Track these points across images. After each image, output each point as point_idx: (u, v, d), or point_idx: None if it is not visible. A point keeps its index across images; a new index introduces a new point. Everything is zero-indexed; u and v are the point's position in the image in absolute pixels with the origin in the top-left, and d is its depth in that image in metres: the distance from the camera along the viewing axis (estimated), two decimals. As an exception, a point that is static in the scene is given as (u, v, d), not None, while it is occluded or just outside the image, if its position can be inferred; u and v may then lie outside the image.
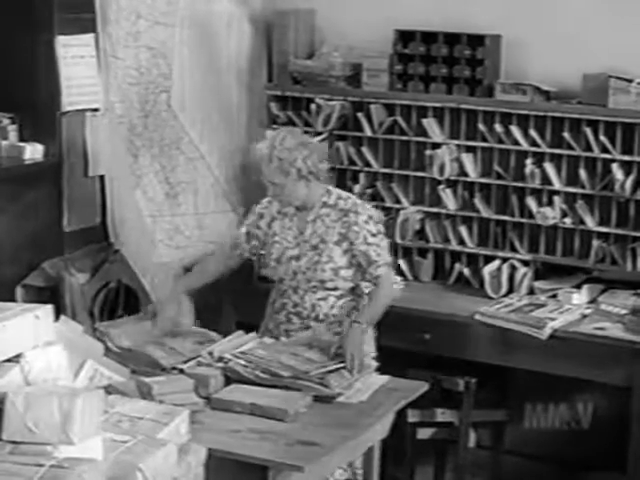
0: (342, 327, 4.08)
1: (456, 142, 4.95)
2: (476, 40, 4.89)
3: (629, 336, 4.34)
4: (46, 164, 4.60)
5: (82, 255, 4.69)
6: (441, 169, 4.93)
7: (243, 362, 3.72)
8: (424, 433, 4.72)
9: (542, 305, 4.64)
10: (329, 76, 5.16)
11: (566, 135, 4.71)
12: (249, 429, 3.39)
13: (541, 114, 4.75)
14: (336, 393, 3.64)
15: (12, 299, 4.29)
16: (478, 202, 4.94)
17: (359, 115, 5.09)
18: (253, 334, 4.06)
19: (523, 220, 4.86)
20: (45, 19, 4.52)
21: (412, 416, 4.62)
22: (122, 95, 4.84)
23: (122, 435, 2.83)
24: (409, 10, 5.08)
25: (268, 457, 3.24)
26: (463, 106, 4.90)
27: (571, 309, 4.60)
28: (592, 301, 4.68)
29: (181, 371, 3.73)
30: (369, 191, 5.10)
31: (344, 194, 4.19)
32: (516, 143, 4.81)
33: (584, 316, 4.55)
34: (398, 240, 5.02)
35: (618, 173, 4.63)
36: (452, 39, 4.92)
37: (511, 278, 4.83)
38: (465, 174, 4.94)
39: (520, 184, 4.84)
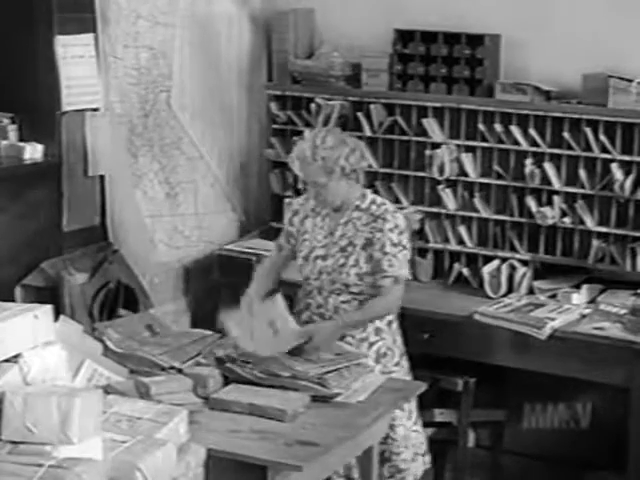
0: (365, 331, 4.06)
1: (456, 142, 4.95)
2: (476, 40, 4.89)
3: (628, 336, 4.34)
4: (46, 164, 4.60)
5: (81, 255, 4.69)
6: (441, 169, 4.93)
7: (241, 362, 3.72)
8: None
9: (541, 305, 4.64)
10: (329, 76, 5.17)
11: (566, 135, 4.71)
12: (248, 429, 3.39)
13: (541, 114, 4.75)
14: (335, 393, 3.64)
15: (11, 299, 4.29)
16: (478, 202, 4.94)
17: (359, 115, 5.09)
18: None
19: (523, 220, 4.86)
20: (45, 19, 4.52)
21: (411, 416, 4.63)
22: (122, 95, 4.85)
23: (121, 435, 2.83)
24: (409, 10, 5.09)
25: (267, 457, 3.24)
26: (463, 106, 4.90)
27: (570, 309, 4.60)
28: (591, 301, 4.68)
29: (180, 371, 3.73)
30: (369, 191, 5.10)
31: (379, 199, 4.14)
32: (516, 143, 4.82)
33: (583, 316, 4.55)
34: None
35: (618, 173, 4.63)
36: (452, 39, 4.93)
37: (510, 278, 4.83)
38: (465, 174, 4.94)
39: (520, 184, 4.84)
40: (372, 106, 5.06)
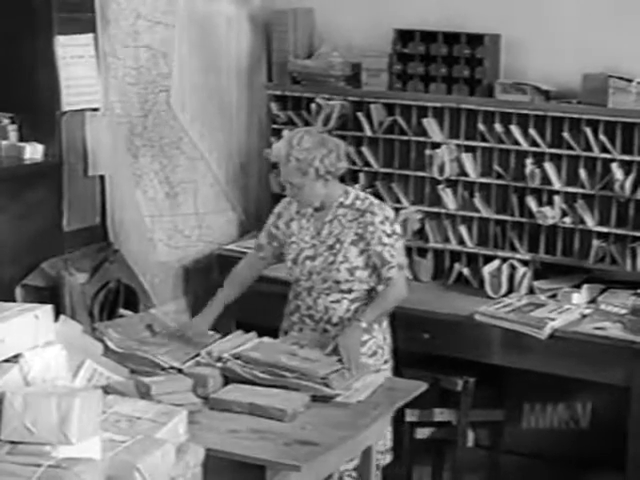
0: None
1: (456, 142, 4.95)
2: (475, 40, 4.89)
3: (629, 336, 4.34)
4: (46, 164, 4.61)
5: (82, 255, 4.69)
6: (441, 169, 4.93)
7: (240, 362, 3.73)
8: (422, 433, 4.73)
9: (542, 305, 4.64)
10: (329, 76, 5.17)
11: (566, 135, 4.71)
12: (247, 429, 3.39)
13: (541, 114, 4.75)
14: (335, 393, 3.64)
15: (12, 299, 4.29)
16: (478, 202, 4.94)
17: (359, 115, 5.09)
18: (252, 334, 4.06)
19: (523, 220, 4.86)
20: (45, 19, 4.52)
21: (410, 416, 4.63)
22: (122, 95, 4.85)
23: (120, 435, 2.83)
24: (408, 10, 5.09)
25: (266, 457, 3.24)
26: (463, 106, 4.90)
27: (571, 309, 4.60)
28: (592, 301, 4.68)
29: (180, 371, 3.73)
30: (369, 191, 5.09)
31: (362, 194, 4.18)
32: (516, 143, 4.82)
33: (584, 316, 4.55)
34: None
35: (618, 173, 4.63)
36: (451, 39, 4.93)
37: (511, 278, 4.83)
38: (465, 174, 4.94)
39: (520, 184, 4.84)
40: (372, 106, 5.06)
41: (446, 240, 5.04)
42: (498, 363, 4.59)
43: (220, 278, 5.09)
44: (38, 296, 4.41)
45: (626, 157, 4.63)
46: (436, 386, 4.49)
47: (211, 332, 4.08)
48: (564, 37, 4.84)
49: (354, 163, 5.12)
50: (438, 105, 4.95)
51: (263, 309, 4.45)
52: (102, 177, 4.83)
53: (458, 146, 4.95)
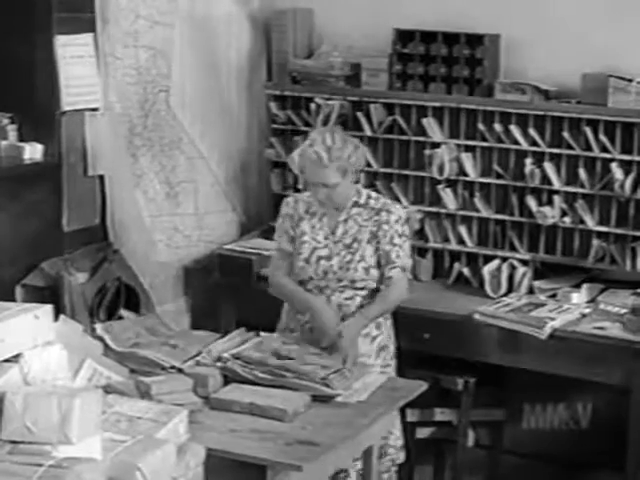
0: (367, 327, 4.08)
1: (455, 142, 4.95)
2: (475, 40, 4.89)
3: (628, 336, 4.34)
4: (46, 164, 4.60)
5: (82, 255, 4.69)
6: (441, 169, 4.93)
7: (240, 362, 3.73)
8: (423, 432, 4.73)
9: (542, 305, 4.64)
10: (328, 75, 5.17)
11: (566, 135, 4.71)
12: (248, 429, 3.39)
13: (540, 114, 4.75)
14: (335, 393, 3.64)
15: (12, 299, 4.29)
16: (478, 202, 4.94)
17: (358, 115, 5.09)
18: (253, 333, 4.06)
19: (523, 219, 4.86)
20: (44, 19, 4.52)
21: (411, 415, 4.63)
22: (121, 95, 4.85)
23: (121, 435, 2.83)
24: (408, 10, 5.09)
25: (267, 457, 3.24)
26: (462, 106, 4.90)
27: (570, 309, 4.60)
28: (591, 300, 4.68)
29: (180, 370, 3.73)
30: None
31: (373, 194, 4.20)
32: (516, 143, 4.82)
33: (583, 315, 4.55)
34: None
35: (618, 173, 4.63)
36: (451, 39, 4.93)
37: (511, 278, 4.83)
38: (465, 174, 4.94)
39: (520, 184, 4.84)
40: (372, 106, 5.06)
41: (446, 240, 5.04)
42: (498, 363, 4.59)
43: (220, 278, 5.12)
44: (38, 296, 4.41)
45: (626, 157, 4.63)
46: (436, 386, 4.49)
47: (211, 332, 4.09)
48: (564, 37, 4.84)
49: (354, 163, 5.13)
50: (438, 105, 4.95)
51: (263, 309, 4.44)
52: (102, 177, 4.83)
53: (458, 146, 4.95)
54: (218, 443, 3.25)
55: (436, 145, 4.97)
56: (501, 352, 4.55)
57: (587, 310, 4.59)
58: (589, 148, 4.68)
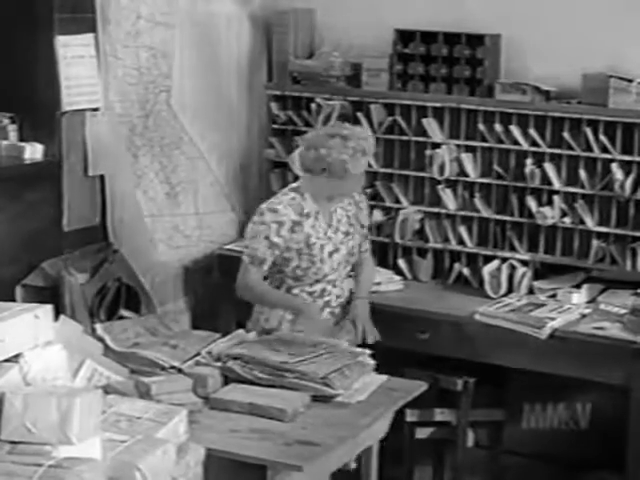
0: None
1: (456, 142, 4.95)
2: (476, 40, 4.89)
3: (628, 336, 4.33)
4: (46, 164, 4.60)
5: (82, 255, 4.69)
6: (441, 169, 4.94)
7: (240, 362, 3.73)
8: (422, 433, 4.73)
9: (541, 305, 4.64)
10: (329, 76, 5.17)
11: (566, 135, 4.71)
12: (247, 429, 3.39)
13: (541, 114, 4.75)
14: (335, 393, 3.64)
15: (12, 299, 4.29)
16: (478, 202, 4.94)
17: (359, 115, 5.09)
18: (253, 334, 4.06)
19: (523, 220, 4.86)
20: (45, 19, 4.52)
21: (410, 416, 4.63)
22: (122, 95, 4.85)
23: (121, 435, 2.83)
24: (409, 10, 5.09)
25: (267, 457, 3.24)
26: (463, 106, 4.90)
27: (570, 309, 4.60)
28: (591, 301, 4.68)
29: (180, 371, 3.74)
30: (369, 191, 5.09)
31: None
32: (516, 143, 4.82)
33: (583, 316, 4.55)
34: (398, 240, 5.03)
35: (618, 173, 4.63)
36: (452, 39, 4.93)
37: (510, 278, 4.83)
38: (465, 174, 4.94)
39: (520, 184, 4.84)
40: (372, 106, 5.06)
41: (446, 240, 5.04)
42: (498, 363, 4.59)
43: (220, 278, 5.12)
44: (38, 296, 4.41)
45: (626, 157, 4.63)
46: (436, 386, 4.49)
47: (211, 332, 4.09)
48: (564, 37, 4.84)
49: (354, 163, 5.12)
50: (438, 105, 4.95)
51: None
52: (102, 177, 4.83)
53: (458, 146, 4.95)
54: (218, 443, 3.25)
55: (436, 145, 4.97)
56: (501, 352, 4.55)
57: (587, 310, 4.59)
58: (589, 148, 4.68)
